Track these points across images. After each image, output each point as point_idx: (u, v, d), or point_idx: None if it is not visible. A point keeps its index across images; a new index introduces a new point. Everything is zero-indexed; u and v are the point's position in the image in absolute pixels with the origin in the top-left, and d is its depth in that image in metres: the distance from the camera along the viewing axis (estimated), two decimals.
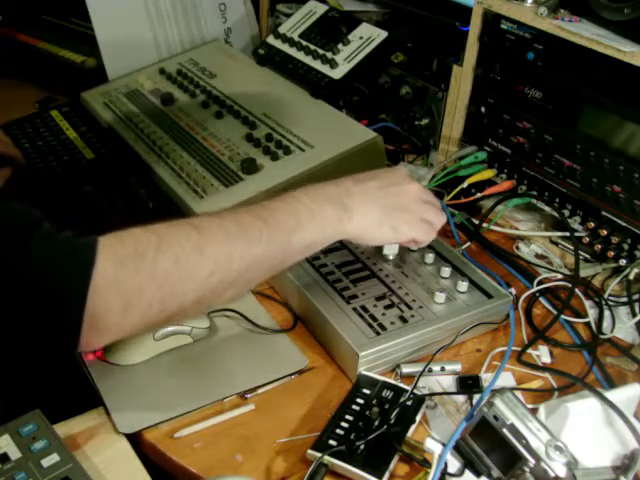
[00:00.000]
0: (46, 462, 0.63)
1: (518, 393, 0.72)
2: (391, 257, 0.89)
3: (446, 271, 0.87)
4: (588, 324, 0.88)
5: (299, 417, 0.72)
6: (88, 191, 1.00)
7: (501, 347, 0.82)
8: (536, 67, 0.95)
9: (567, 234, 0.95)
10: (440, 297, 0.82)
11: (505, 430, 0.62)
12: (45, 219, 0.59)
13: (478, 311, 0.82)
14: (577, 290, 0.90)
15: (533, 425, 0.61)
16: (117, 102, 1.24)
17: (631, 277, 0.89)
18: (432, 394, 0.74)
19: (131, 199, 0.99)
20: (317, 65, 1.21)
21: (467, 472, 0.65)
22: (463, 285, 0.84)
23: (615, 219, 0.90)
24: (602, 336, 0.85)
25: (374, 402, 0.72)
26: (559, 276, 0.94)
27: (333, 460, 0.65)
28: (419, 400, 0.72)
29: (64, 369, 0.81)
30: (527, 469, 0.61)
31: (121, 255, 0.59)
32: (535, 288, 0.92)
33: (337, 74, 1.17)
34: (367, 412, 0.70)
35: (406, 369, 0.77)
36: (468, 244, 1.00)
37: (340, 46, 1.21)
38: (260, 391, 0.75)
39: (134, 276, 0.59)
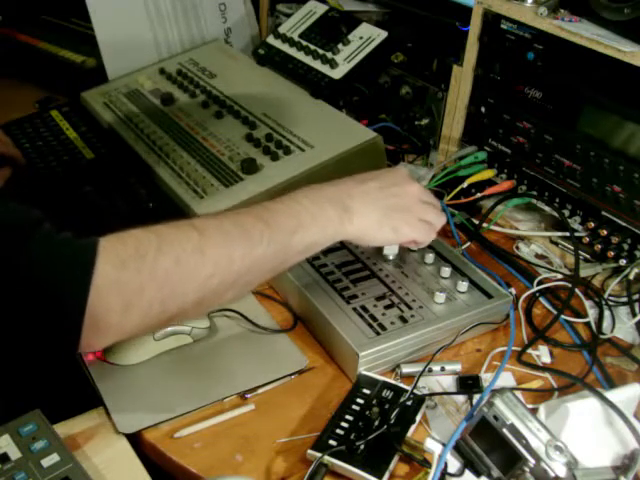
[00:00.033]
0: (46, 462, 0.63)
1: (518, 393, 0.72)
2: (391, 257, 0.89)
3: (446, 271, 0.87)
4: (588, 324, 0.88)
5: (299, 417, 0.72)
6: (88, 191, 1.00)
7: (501, 347, 0.82)
8: (536, 67, 0.95)
9: (567, 234, 0.95)
10: (440, 297, 0.82)
11: (505, 430, 0.62)
12: (45, 220, 0.58)
13: (478, 311, 0.82)
14: (577, 290, 0.90)
15: (533, 425, 0.61)
16: (117, 102, 1.24)
17: (631, 277, 0.89)
18: (432, 394, 0.75)
19: (131, 199, 0.99)
20: (317, 65, 1.21)
21: (467, 472, 0.65)
22: (463, 285, 0.84)
23: (615, 219, 0.90)
24: (602, 336, 0.85)
25: (374, 402, 0.72)
26: (559, 276, 0.94)
27: (333, 460, 0.65)
28: (419, 400, 0.72)
29: (64, 369, 0.80)
30: (527, 469, 0.61)
31: (122, 256, 0.59)
32: (535, 288, 0.92)
33: (337, 74, 1.17)
34: (367, 412, 0.70)
35: (406, 369, 0.77)
36: (468, 244, 1.00)
37: (340, 46, 1.21)
38: (260, 391, 0.75)
39: (135, 277, 0.59)
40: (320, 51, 1.22)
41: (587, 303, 0.90)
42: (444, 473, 0.64)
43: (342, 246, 0.91)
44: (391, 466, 0.65)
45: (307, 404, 0.74)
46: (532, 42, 0.95)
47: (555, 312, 0.88)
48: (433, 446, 0.63)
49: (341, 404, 0.72)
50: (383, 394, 0.73)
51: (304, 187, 0.74)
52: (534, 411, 0.66)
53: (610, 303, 0.90)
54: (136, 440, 0.70)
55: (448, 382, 0.77)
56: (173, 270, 0.60)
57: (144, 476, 0.66)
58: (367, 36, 1.20)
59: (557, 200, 0.98)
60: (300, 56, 1.24)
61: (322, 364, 0.79)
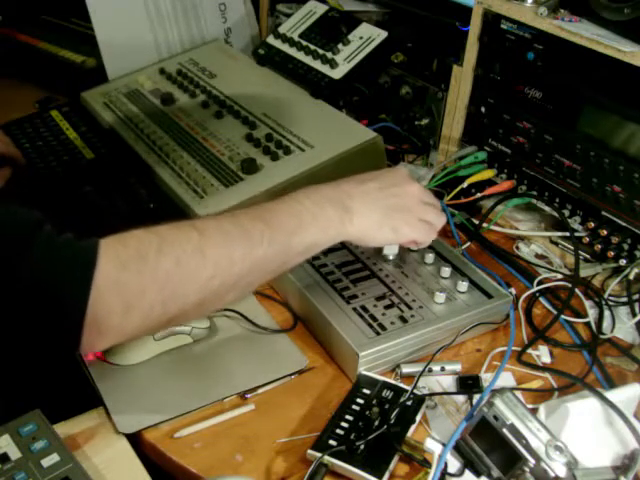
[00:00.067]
0: (46, 462, 0.63)
1: (518, 393, 0.72)
2: (391, 257, 0.89)
3: (446, 271, 0.87)
4: (588, 324, 0.88)
5: (299, 417, 0.72)
6: (88, 191, 1.00)
7: (501, 347, 0.82)
8: (536, 67, 0.95)
9: (567, 234, 0.95)
10: (440, 297, 0.82)
11: (505, 430, 0.62)
12: (46, 221, 0.58)
13: (478, 311, 0.82)
14: (577, 290, 0.90)
15: (533, 425, 0.61)
16: (117, 102, 1.24)
17: (631, 277, 0.89)
18: (432, 394, 0.75)
19: (131, 199, 0.99)
20: (317, 65, 1.21)
21: (467, 472, 0.65)
22: (463, 285, 0.84)
23: (615, 219, 0.90)
24: (602, 336, 0.85)
25: (374, 402, 0.72)
26: (559, 276, 0.94)
27: (333, 460, 0.65)
28: (419, 400, 0.72)
29: (64, 369, 0.80)
30: (527, 469, 0.61)
31: (123, 257, 0.59)
32: (535, 288, 0.92)
33: (337, 74, 1.17)
34: (367, 412, 0.70)
35: (406, 369, 0.77)
36: (468, 244, 1.00)
37: (340, 46, 1.21)
38: (260, 391, 0.75)
39: (136, 278, 0.58)
40: (320, 51, 1.22)
41: (587, 303, 0.90)
42: (444, 473, 0.64)
43: (342, 246, 0.91)
44: (391, 466, 0.65)
45: (307, 404, 0.74)
46: (532, 42, 0.95)
47: (555, 312, 0.88)
48: (433, 446, 0.63)
49: (341, 404, 0.72)
50: (383, 394, 0.73)
51: (304, 187, 0.74)
52: (534, 411, 0.66)
53: (610, 303, 0.90)
54: (136, 440, 0.70)
55: (448, 382, 0.77)
56: (174, 271, 0.60)
57: (144, 476, 0.66)
58: (367, 36, 1.20)
59: (557, 200, 0.98)
60: (300, 56, 1.24)
61: (322, 364, 0.79)
